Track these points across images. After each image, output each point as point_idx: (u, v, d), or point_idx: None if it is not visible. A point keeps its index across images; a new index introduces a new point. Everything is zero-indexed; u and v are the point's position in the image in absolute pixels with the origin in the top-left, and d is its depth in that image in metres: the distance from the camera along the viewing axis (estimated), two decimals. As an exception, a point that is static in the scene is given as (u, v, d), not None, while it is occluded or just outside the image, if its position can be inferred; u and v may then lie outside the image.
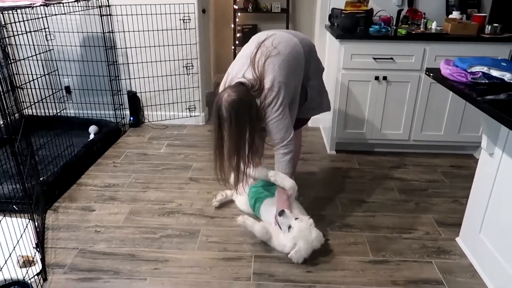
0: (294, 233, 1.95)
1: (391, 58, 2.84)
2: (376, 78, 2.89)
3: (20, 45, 2.51)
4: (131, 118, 3.66)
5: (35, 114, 2.62)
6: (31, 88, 2.54)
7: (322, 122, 3.64)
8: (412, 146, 3.17)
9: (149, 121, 3.73)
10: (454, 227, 2.26)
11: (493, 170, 1.85)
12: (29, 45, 2.46)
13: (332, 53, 3.12)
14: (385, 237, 2.19)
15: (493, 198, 1.85)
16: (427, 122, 3.03)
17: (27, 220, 2.03)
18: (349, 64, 2.87)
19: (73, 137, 2.90)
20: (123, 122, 3.59)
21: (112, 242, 2.12)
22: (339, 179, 2.80)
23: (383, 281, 1.87)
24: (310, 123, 3.73)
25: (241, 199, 2.39)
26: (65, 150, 2.72)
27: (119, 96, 3.54)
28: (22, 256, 1.91)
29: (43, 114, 2.65)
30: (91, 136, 3.27)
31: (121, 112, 3.59)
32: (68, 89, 3.69)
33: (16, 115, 2.10)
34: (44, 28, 2.55)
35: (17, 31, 2.35)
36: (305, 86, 2.21)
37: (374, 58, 2.84)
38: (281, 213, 2.02)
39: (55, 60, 3.23)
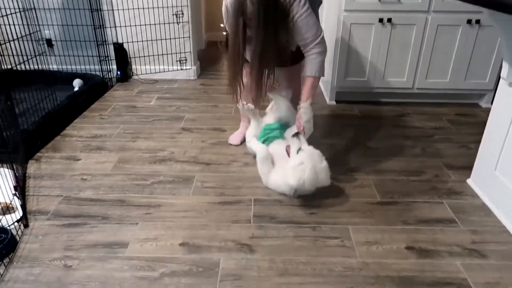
0: (304, 155, 1.81)
1: (396, -2, 2.64)
2: (380, 20, 2.70)
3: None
4: (118, 72, 3.44)
5: (14, 68, 2.41)
6: (9, 41, 2.33)
7: (320, 75, 3.45)
8: (416, 95, 3.02)
9: (137, 75, 3.51)
10: (463, 169, 2.13)
11: (512, 100, 1.70)
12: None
13: (332, -5, 2.91)
14: (392, 180, 2.06)
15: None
16: (433, 69, 2.86)
17: (6, 169, 1.86)
18: (352, 5, 2.67)
19: (56, 91, 2.69)
20: (109, 76, 3.38)
21: (99, 189, 1.96)
22: (340, 127, 2.65)
23: (393, 221, 1.75)
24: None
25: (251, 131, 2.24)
26: (47, 98, 2.52)
27: (105, 47, 3.31)
28: (1, 202, 1.75)
29: (23, 69, 2.45)
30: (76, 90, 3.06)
31: (107, 66, 3.36)
32: (49, 42, 3.45)
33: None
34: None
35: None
36: None
37: (378, -2, 2.65)
38: (297, 134, 1.88)
39: (34, 9, 2.99)
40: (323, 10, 3.21)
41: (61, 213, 1.79)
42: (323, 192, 1.91)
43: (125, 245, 1.60)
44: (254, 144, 2.05)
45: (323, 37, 1.94)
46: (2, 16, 2.33)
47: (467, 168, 2.13)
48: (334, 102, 3.03)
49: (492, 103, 2.73)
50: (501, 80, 1.77)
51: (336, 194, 1.93)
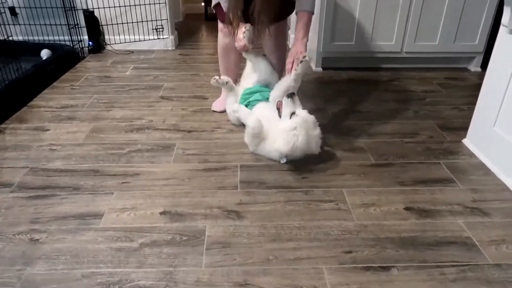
0: (298, 121, 1.67)
1: (385, -47, 2.49)
2: (368, -22, 2.55)
3: None
4: (90, 42, 3.20)
5: None
6: None
7: (305, 42, 3.30)
8: (405, 60, 2.91)
9: (111, 46, 3.28)
10: (458, 130, 2.04)
11: (513, 50, 1.60)
12: None
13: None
14: (385, 142, 1.95)
15: (512, 83, 1.61)
16: (422, 31, 2.75)
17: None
18: (338, -38, 2.51)
19: (23, 63, 2.47)
20: (80, 46, 3.14)
21: (70, 160, 1.79)
22: (329, 92, 2.52)
23: (389, 182, 1.64)
24: (291, 43, 3.38)
25: (231, 100, 2.08)
26: (12, 69, 2.30)
27: (74, 14, 3.07)
28: (-43, 175, 1.56)
29: None
30: (43, 60, 2.83)
31: (78, 35, 3.13)
32: (13, 10, 3.18)
33: None
34: None
35: None
36: None
37: (365, -46, 2.49)
38: (291, 95, 1.74)
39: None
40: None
41: (27, 185, 1.61)
42: (314, 157, 1.79)
43: (99, 216, 1.44)
44: (245, 115, 1.85)
45: None
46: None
47: (462, 129, 2.04)
48: (320, 69, 2.89)
49: (481, 67, 2.66)
50: (501, 27, 1.66)
51: (328, 158, 1.81)
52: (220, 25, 2.21)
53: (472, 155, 1.84)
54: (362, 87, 2.60)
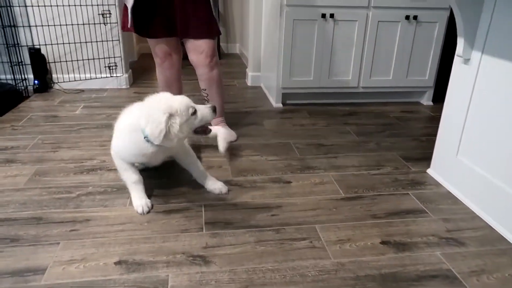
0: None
1: (338, -7, 2.58)
2: (323, 15, 2.62)
3: None
4: (36, 81, 3.00)
5: None
6: None
7: (263, 80, 3.31)
8: (362, 95, 2.97)
9: (59, 84, 3.09)
10: (421, 161, 2.05)
11: (470, 79, 1.64)
12: None
13: (273, -8, 2.80)
14: (352, 175, 1.90)
15: (472, 112, 1.65)
16: (376, 67, 2.84)
17: None
18: (294, 0, 2.56)
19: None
20: (24, 84, 2.93)
21: (8, 207, 1.57)
22: (290, 127, 2.48)
23: (362, 216, 1.58)
24: (250, 82, 3.38)
25: None
26: None
27: (18, 52, 2.88)
28: None
29: None
30: (-19, 99, 2.59)
31: (22, 74, 2.92)
32: None
33: None
34: None
35: None
36: None
37: (319, -7, 2.57)
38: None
39: None
40: (262, 5, 3.09)
41: (-48, 239, 1.37)
42: (283, 192, 1.70)
43: (41, 271, 1.23)
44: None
45: None
46: None
47: (424, 159, 2.06)
48: (280, 105, 2.87)
49: (432, 101, 2.77)
50: (456, 58, 1.71)
51: (297, 193, 1.73)
52: (157, 59, 2.17)
53: (438, 184, 1.83)
54: (323, 121, 2.59)
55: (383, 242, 1.42)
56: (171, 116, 1.39)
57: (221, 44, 4.63)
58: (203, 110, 1.52)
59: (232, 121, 2.45)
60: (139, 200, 1.57)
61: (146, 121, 1.39)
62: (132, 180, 1.58)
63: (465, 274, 1.28)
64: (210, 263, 1.30)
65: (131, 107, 1.60)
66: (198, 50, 2.04)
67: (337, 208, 1.63)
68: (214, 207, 1.61)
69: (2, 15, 2.68)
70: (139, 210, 1.54)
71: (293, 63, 2.74)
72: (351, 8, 2.64)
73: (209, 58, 2.06)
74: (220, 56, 4.42)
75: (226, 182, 1.79)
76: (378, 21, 2.70)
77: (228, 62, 4.24)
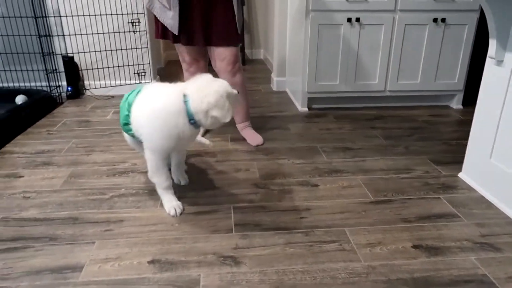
0: None
1: (364, -3, 2.58)
2: (349, 20, 2.62)
3: None
4: (69, 88, 3.11)
5: None
6: None
7: (288, 84, 3.32)
8: (388, 99, 2.94)
9: (90, 91, 3.20)
10: (452, 164, 2.01)
11: (503, 81, 1.60)
12: None
13: (298, -2, 2.82)
14: (381, 178, 1.89)
15: (506, 114, 1.61)
16: (403, 70, 2.80)
17: None
18: (319, 5, 2.57)
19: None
20: (58, 91, 3.05)
21: (46, 207, 1.63)
22: (317, 131, 2.48)
23: (392, 220, 1.56)
24: (275, 87, 3.40)
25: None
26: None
27: (52, 60, 3.00)
28: None
29: None
30: (19, 105, 2.70)
31: (56, 81, 3.04)
32: (-13, 57, 3.08)
33: None
34: None
35: None
36: None
37: (345, -3, 2.57)
38: None
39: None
40: (287, 10, 3.11)
41: (-4, 237, 1.44)
42: (310, 195, 1.71)
43: (79, 269, 1.28)
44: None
45: None
46: None
47: (455, 163, 2.02)
48: (306, 109, 2.88)
49: (462, 104, 2.71)
50: (488, 60, 1.68)
51: (325, 196, 1.73)
52: (184, 64, 2.22)
53: (470, 188, 1.79)
54: (349, 125, 2.58)
55: (414, 246, 1.40)
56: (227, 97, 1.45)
57: (245, 50, 4.68)
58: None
59: (258, 125, 2.47)
60: (170, 203, 1.60)
61: (212, 105, 1.41)
62: (163, 186, 1.60)
63: (502, 280, 1.25)
64: (240, 263, 1.31)
65: (146, 93, 1.53)
66: (220, 57, 2.08)
67: (366, 211, 1.62)
68: (243, 209, 1.62)
69: (38, 25, 2.80)
70: (172, 212, 1.57)
71: (319, 67, 2.74)
72: (377, 12, 2.63)
73: (231, 65, 2.09)
74: (244, 62, 4.46)
75: (254, 185, 1.81)
76: (405, 25, 2.67)
77: (252, 68, 4.27)
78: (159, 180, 1.59)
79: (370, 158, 2.09)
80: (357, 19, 2.62)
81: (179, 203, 1.61)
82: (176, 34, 2.01)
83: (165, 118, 1.43)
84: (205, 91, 1.43)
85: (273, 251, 1.38)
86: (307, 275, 1.26)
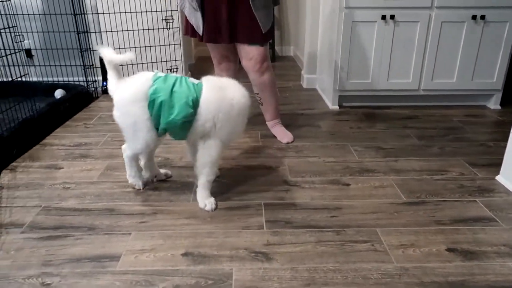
0: None
1: (399, -6, 2.53)
2: (383, 17, 2.57)
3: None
4: (104, 83, 3.21)
5: None
6: None
7: (318, 82, 3.30)
8: (422, 98, 2.87)
9: (125, 86, 3.28)
10: (489, 167, 1.95)
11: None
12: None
13: (331, -5, 2.79)
14: (414, 179, 1.85)
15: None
16: (438, 69, 2.73)
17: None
18: (352, 2, 2.54)
19: (37, 103, 2.45)
20: (94, 86, 3.15)
21: (84, 198, 1.70)
22: (347, 129, 2.46)
23: (425, 222, 1.53)
24: (305, 84, 3.39)
25: None
26: (26, 108, 2.27)
27: (90, 55, 3.10)
28: (-34, 214, 1.47)
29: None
30: (58, 99, 2.81)
31: (92, 76, 3.14)
32: (29, 52, 3.22)
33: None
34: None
35: None
36: None
37: (380, -6, 2.53)
38: None
39: (12, 14, 2.78)
40: (319, 8, 3.09)
41: (39, 225, 1.51)
42: (341, 194, 1.70)
43: (116, 258, 1.33)
44: None
45: None
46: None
47: (492, 165, 1.96)
48: (337, 107, 2.85)
49: (500, 105, 2.62)
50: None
51: (356, 195, 1.72)
52: (215, 61, 2.25)
53: (509, 192, 1.74)
54: (381, 124, 2.54)
55: (449, 249, 1.38)
56: None
57: (275, 47, 4.67)
58: None
59: (288, 122, 2.47)
60: (206, 199, 1.63)
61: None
62: (209, 178, 1.62)
63: (542, 287, 1.21)
64: (272, 260, 1.33)
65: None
66: (247, 56, 2.09)
67: (398, 212, 1.60)
68: (274, 206, 1.64)
69: (77, 22, 2.90)
70: (208, 207, 1.60)
71: (351, 65, 2.71)
72: (413, 9, 2.57)
73: (258, 64, 2.10)
74: (274, 58, 4.46)
75: (284, 182, 1.82)
76: (442, 22, 2.60)
77: (282, 65, 4.27)
78: (213, 171, 1.62)
79: (402, 158, 2.06)
80: (392, 16, 2.57)
81: (213, 199, 1.64)
82: (200, 34, 2.05)
83: (246, 113, 1.58)
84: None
85: (304, 248, 1.38)
86: (339, 274, 1.26)
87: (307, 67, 3.36)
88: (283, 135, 2.28)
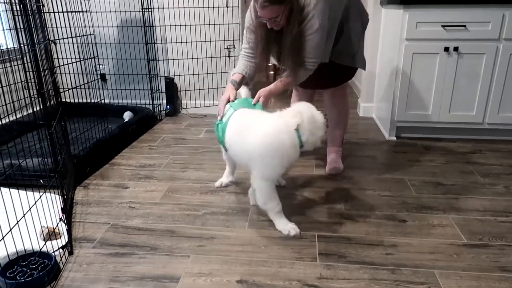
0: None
1: (464, 26, 2.47)
2: (446, 49, 2.52)
3: (57, 27, 2.33)
4: (168, 106, 3.42)
5: (67, 101, 2.51)
6: (64, 74, 2.44)
7: (375, 111, 3.28)
8: (487, 132, 2.75)
9: (186, 110, 3.48)
10: (562, 211, 1.82)
11: None
12: (66, 27, 2.30)
13: (391, 23, 2.79)
14: (476, 219, 1.78)
15: None
16: (505, 102, 2.61)
17: (55, 195, 1.77)
18: (414, 34, 2.53)
19: (108, 123, 2.68)
20: (159, 109, 3.36)
21: (148, 218, 1.82)
22: (405, 162, 2.41)
23: (488, 267, 1.46)
24: (361, 113, 3.38)
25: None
26: (99, 129, 2.48)
27: (156, 80, 3.33)
28: (47, 227, 1.64)
29: (76, 101, 2.65)
30: (126, 121, 3.04)
31: (158, 99, 3.36)
32: (103, 77, 3.52)
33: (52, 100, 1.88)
34: (85, 11, 2.38)
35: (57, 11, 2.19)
36: (342, 27, 1.98)
37: (443, 26, 2.49)
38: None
39: (91, 43, 3.07)
40: (379, 38, 3.10)
41: (107, 241, 1.64)
42: (397, 231, 1.67)
43: (176, 279, 1.41)
44: None
45: (312, 63, 1.88)
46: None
47: None
48: (394, 138, 2.81)
49: None
50: None
51: (413, 233, 1.68)
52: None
53: None
54: (441, 158, 2.46)
55: (514, 299, 1.31)
56: None
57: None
58: None
59: (343, 151, 2.48)
60: (286, 225, 1.70)
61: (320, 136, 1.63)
62: (277, 210, 1.70)
63: None
64: (324, 294, 1.34)
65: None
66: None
67: (458, 254, 1.54)
68: (327, 239, 1.65)
69: (148, 51, 3.14)
70: (292, 233, 1.67)
71: (410, 96, 2.67)
72: (479, 41, 2.50)
73: (336, 91, 2.24)
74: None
75: (339, 214, 1.83)
76: (511, 54, 2.50)
77: (338, 92, 4.27)
78: (272, 206, 1.70)
79: (464, 196, 1.98)
80: (455, 48, 2.52)
81: (293, 224, 1.70)
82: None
83: (283, 153, 1.59)
84: (315, 124, 1.61)
85: (358, 285, 1.38)
86: (393, 316, 1.24)
87: (365, 95, 3.35)
88: (333, 164, 2.27)
